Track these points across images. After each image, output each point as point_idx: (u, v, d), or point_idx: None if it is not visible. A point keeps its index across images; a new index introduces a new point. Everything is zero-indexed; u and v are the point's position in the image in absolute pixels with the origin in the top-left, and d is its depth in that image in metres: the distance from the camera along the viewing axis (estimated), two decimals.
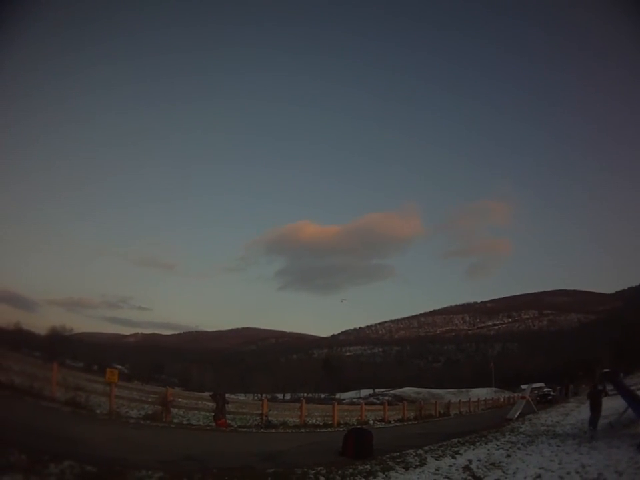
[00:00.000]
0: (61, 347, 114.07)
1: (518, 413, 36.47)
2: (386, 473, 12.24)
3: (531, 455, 15.96)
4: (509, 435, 23.51)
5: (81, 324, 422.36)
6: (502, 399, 68.55)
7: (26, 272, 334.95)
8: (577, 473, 12.20)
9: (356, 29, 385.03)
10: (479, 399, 66.06)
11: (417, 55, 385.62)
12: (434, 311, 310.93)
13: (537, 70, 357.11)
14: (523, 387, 67.99)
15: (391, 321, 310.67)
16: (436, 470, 12.91)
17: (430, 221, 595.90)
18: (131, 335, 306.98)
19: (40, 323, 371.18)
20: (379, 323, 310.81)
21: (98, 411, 18.89)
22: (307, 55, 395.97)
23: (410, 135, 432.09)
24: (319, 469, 12.01)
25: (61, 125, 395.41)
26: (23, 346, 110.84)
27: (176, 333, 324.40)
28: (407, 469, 13.02)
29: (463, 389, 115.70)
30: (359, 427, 21.92)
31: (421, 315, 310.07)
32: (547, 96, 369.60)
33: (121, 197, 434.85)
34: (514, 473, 12.52)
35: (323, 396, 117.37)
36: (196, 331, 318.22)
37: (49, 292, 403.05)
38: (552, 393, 67.12)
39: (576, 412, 36.85)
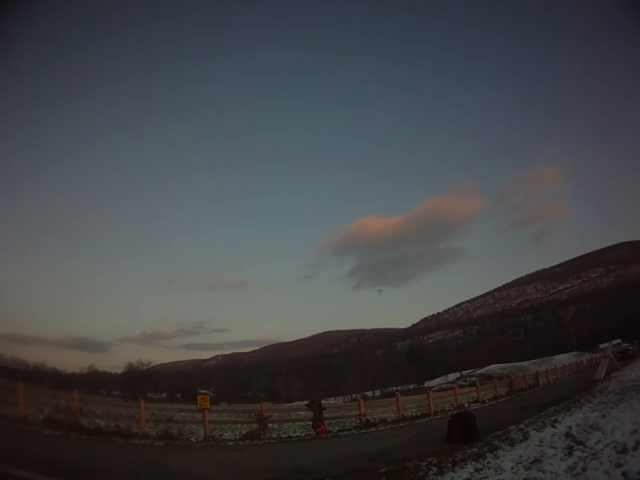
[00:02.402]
0: (139, 381, 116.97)
1: (603, 372, 36.37)
2: (494, 452, 12.16)
3: (623, 412, 15.59)
4: (600, 395, 23.29)
5: (158, 356, 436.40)
6: (585, 362, 69.22)
7: (97, 315, 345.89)
8: None
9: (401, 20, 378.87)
10: (563, 365, 65.19)
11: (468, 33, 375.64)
12: (506, 284, 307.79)
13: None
14: (601, 346, 66.20)
15: (467, 301, 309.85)
16: (540, 441, 12.70)
17: (488, 196, 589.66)
18: (211, 359, 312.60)
19: (115, 362, 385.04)
20: (456, 305, 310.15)
21: (193, 439, 18.81)
22: (352, 55, 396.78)
23: (457, 113, 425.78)
24: (429, 459, 11.89)
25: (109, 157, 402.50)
26: (100, 387, 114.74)
27: (256, 348, 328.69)
28: (512, 445, 12.97)
29: (546, 358, 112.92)
30: (461, 411, 21.50)
31: (495, 290, 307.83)
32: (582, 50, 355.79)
33: (183, 225, 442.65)
34: (612, 432, 12.03)
35: (412, 386, 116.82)
36: (276, 344, 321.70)
37: (121, 331, 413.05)
38: (631, 348, 66.28)
39: None
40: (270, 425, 21.09)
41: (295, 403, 65.09)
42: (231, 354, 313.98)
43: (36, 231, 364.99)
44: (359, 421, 23.18)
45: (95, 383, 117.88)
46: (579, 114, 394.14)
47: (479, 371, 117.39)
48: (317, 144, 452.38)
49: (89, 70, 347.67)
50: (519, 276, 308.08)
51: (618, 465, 8.62)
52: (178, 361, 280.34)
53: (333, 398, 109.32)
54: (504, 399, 33.68)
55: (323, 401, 24.41)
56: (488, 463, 10.90)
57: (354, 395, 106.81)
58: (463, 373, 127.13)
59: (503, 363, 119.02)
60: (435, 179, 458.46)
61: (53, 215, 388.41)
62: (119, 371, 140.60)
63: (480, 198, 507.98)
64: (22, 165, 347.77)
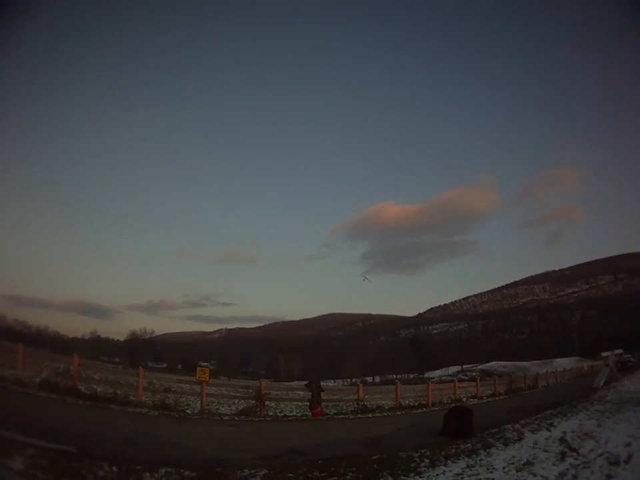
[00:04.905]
0: (141, 350, 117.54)
1: (603, 381, 35.93)
2: (487, 450, 12.17)
3: (619, 423, 15.79)
4: (597, 404, 23.38)
5: (163, 326, 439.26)
6: (585, 368, 68.59)
7: (104, 281, 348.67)
8: None
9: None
10: (564, 369, 65.80)
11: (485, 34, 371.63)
12: (515, 282, 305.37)
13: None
14: (603, 354, 66.38)
15: (474, 296, 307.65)
16: (534, 444, 12.74)
17: (506, 192, 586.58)
18: (215, 332, 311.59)
19: (119, 329, 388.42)
20: (463, 298, 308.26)
21: (189, 411, 18.94)
22: (377, 49, 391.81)
23: (480, 108, 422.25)
24: (422, 451, 11.95)
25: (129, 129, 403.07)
26: (101, 353, 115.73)
27: (261, 325, 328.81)
28: (506, 444, 12.98)
29: (547, 360, 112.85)
30: (459, 405, 21.50)
31: (503, 287, 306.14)
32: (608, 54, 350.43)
33: (199, 197, 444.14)
34: (606, 442, 12.23)
35: (412, 376, 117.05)
36: (282, 322, 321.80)
37: (128, 298, 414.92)
38: (632, 359, 66.75)
39: None
40: (267, 403, 21.13)
41: (295, 382, 65.31)
42: (235, 328, 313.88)
43: (48, 197, 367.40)
44: (356, 406, 23.24)
45: (96, 348, 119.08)
46: (601, 122, 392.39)
47: (479, 367, 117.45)
48: (338, 133, 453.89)
49: (100, 51, 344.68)
50: (528, 275, 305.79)
51: (609, 477, 8.73)
52: (182, 332, 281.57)
53: (333, 380, 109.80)
54: (502, 397, 33.74)
55: (322, 383, 24.51)
56: (480, 460, 10.89)
57: (354, 379, 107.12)
58: (464, 366, 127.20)
59: (504, 360, 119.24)
60: (454, 171, 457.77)
61: (64, 182, 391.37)
62: (122, 338, 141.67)
63: (497, 194, 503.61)
64: (41, 136, 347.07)
